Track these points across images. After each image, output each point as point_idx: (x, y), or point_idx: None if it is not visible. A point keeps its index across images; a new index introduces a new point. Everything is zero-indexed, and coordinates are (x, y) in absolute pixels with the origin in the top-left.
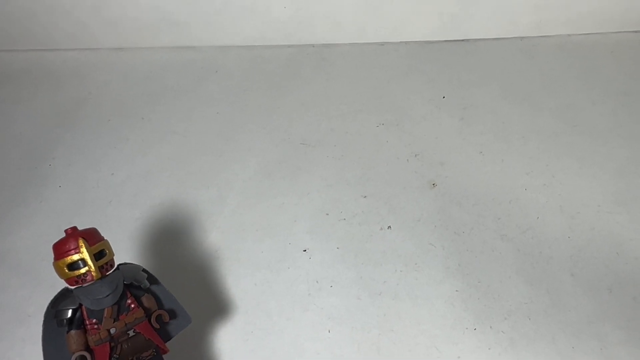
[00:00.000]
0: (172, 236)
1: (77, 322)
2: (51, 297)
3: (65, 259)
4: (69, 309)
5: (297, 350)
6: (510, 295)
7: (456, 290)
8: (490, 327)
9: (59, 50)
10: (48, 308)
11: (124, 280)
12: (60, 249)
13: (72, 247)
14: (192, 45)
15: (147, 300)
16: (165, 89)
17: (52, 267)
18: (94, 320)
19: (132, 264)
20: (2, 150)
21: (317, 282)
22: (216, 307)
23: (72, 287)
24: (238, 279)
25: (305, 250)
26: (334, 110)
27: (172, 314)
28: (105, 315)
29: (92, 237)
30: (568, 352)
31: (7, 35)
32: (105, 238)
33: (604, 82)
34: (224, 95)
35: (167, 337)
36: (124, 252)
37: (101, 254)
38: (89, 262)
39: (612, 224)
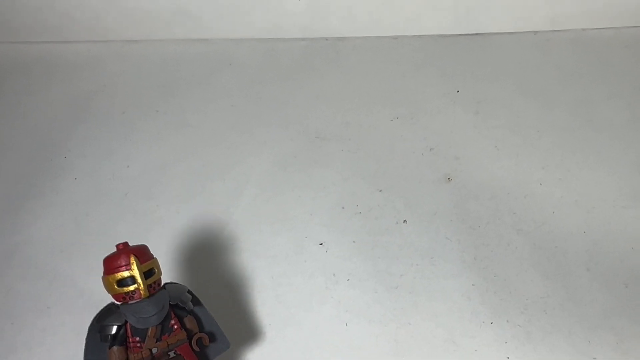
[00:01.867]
0: (188, 228)
1: (120, 339)
2: (69, 289)
3: (116, 274)
4: (115, 325)
5: (316, 342)
6: (527, 289)
7: (472, 284)
8: (507, 320)
9: (72, 43)
10: (93, 322)
11: (170, 301)
12: (111, 265)
13: (124, 263)
14: (205, 38)
15: (189, 322)
16: (179, 81)
17: (101, 280)
18: (137, 339)
19: (178, 284)
20: (18, 142)
21: (334, 275)
22: (234, 299)
23: (119, 303)
24: (255, 272)
25: (321, 244)
26: (349, 103)
27: (212, 337)
28: (148, 334)
29: (143, 254)
30: (584, 346)
31: (21, 27)
32: (154, 256)
33: (619, 77)
34: (237, 87)
35: (205, 359)
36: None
37: (150, 272)
38: (139, 280)
39: (628, 218)
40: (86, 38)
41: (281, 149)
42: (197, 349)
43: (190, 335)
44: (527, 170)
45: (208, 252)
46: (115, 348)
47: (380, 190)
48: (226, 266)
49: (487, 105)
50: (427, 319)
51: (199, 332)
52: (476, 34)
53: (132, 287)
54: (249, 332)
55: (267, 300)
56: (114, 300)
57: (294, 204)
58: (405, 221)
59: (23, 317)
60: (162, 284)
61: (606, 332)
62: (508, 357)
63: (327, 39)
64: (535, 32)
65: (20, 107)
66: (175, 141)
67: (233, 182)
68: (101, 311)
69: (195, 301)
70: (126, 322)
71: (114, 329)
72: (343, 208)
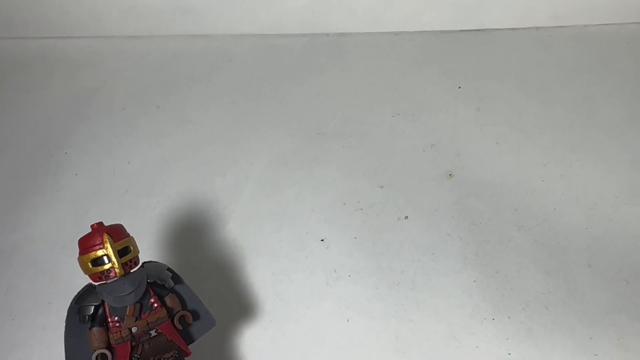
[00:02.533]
0: (189, 225)
1: (99, 320)
2: (69, 286)
3: (90, 254)
4: (92, 305)
5: (317, 339)
6: (528, 286)
7: (474, 281)
8: (509, 317)
9: (72, 38)
10: (71, 304)
11: (147, 279)
12: (85, 244)
13: (97, 242)
14: (206, 34)
15: (170, 300)
16: (179, 77)
17: (77, 261)
18: (116, 318)
19: (156, 262)
20: (18, 138)
21: (335, 271)
22: (235, 296)
23: (96, 284)
24: (256, 268)
25: (322, 240)
26: (349, 100)
27: (196, 316)
28: (127, 313)
29: (117, 233)
30: (586, 342)
31: (21, 23)
32: (130, 235)
33: (621, 74)
34: (238, 84)
35: (190, 339)
36: (141, 240)
37: (125, 250)
38: (113, 258)
39: (629, 215)
40: (86, 34)
41: (282, 146)
42: (179, 327)
43: (172, 314)
44: (529, 166)
45: (209, 249)
46: (95, 329)
47: (382, 187)
48: (227, 263)
49: (488, 102)
50: (428, 315)
51: (182, 310)
52: (478, 30)
53: (106, 266)
54: (250, 329)
55: (268, 297)
56: (91, 281)
57: (294, 200)
58: (406, 217)
59: (23, 313)
60: (141, 263)
61: (607, 328)
62: (509, 354)
63: (328, 35)
64: (537, 28)
65: (21, 103)
66: (175, 138)
67: (234, 178)
68: (78, 293)
69: (176, 279)
70: (103, 302)
71: (91, 309)
72: (344, 204)
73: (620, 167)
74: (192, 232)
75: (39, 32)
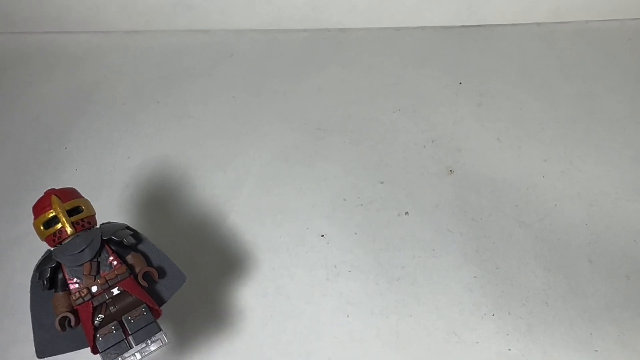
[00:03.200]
0: (190, 220)
1: (60, 284)
2: None
3: (40, 217)
4: (48, 267)
5: (317, 334)
6: (529, 282)
7: (474, 277)
8: (509, 313)
9: (72, 33)
10: (33, 273)
11: (102, 236)
12: (36, 208)
13: (46, 204)
14: (206, 29)
15: (133, 258)
16: (180, 72)
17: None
18: (75, 280)
19: (114, 222)
20: (18, 133)
21: (335, 267)
22: (235, 290)
23: (52, 248)
24: (256, 263)
25: (323, 236)
26: (350, 95)
27: (162, 273)
28: (84, 272)
29: (66, 194)
30: (586, 337)
31: (21, 18)
32: (85, 197)
33: (622, 69)
34: (239, 79)
35: (161, 300)
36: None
37: (77, 210)
38: (62, 217)
39: (630, 211)
40: (87, 29)
41: (282, 141)
42: (144, 283)
43: (134, 271)
44: (530, 162)
45: (209, 244)
46: (58, 294)
47: (382, 182)
48: (227, 258)
49: (489, 98)
50: (428, 311)
51: (146, 267)
52: (479, 26)
53: (57, 226)
54: (251, 324)
55: (268, 292)
56: (49, 248)
57: (295, 195)
58: (407, 213)
59: (24, 308)
60: (98, 225)
61: (608, 324)
62: (509, 349)
63: (328, 30)
64: (539, 24)
65: (21, 98)
66: (176, 132)
67: (234, 173)
68: (38, 261)
69: (137, 237)
70: (60, 264)
71: (48, 272)
72: (344, 200)
73: (621, 163)
74: (193, 227)
75: (40, 27)
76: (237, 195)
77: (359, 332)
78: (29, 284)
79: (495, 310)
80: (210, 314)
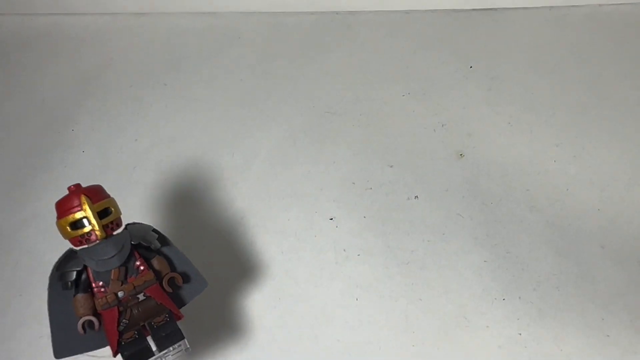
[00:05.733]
0: (197, 203)
1: (83, 285)
2: None
3: (68, 217)
4: (74, 270)
5: (326, 317)
6: (539, 266)
7: (484, 261)
8: (519, 297)
9: (79, 15)
10: (52, 271)
11: (131, 241)
12: (63, 207)
13: (75, 204)
14: (213, 11)
15: (158, 263)
16: (187, 55)
17: (56, 227)
18: (101, 283)
19: (140, 223)
20: (26, 115)
21: (344, 250)
22: (243, 274)
23: (77, 248)
24: (265, 247)
25: (332, 219)
26: (359, 79)
27: (186, 278)
28: (112, 277)
29: (96, 194)
30: (597, 323)
31: None
32: (111, 196)
33: (635, 54)
34: (246, 62)
35: (181, 303)
36: (149, 218)
37: (106, 212)
38: (93, 220)
39: None
40: (92, 10)
41: (291, 124)
42: (169, 289)
43: (160, 277)
44: (541, 147)
45: (217, 227)
46: (79, 295)
47: (391, 166)
48: (235, 241)
49: (500, 82)
50: (438, 295)
51: (171, 272)
52: (490, 9)
53: (86, 229)
54: (259, 307)
55: (276, 275)
56: (71, 246)
57: (303, 179)
58: (416, 197)
59: (31, 289)
60: (124, 225)
61: (620, 309)
62: (520, 334)
63: (337, 13)
64: (551, 8)
65: (28, 81)
66: (184, 115)
67: (242, 157)
68: (59, 259)
69: (163, 241)
70: (86, 266)
71: (74, 275)
72: (353, 183)
73: (633, 149)
74: (201, 210)
75: (45, 8)
76: (245, 178)
77: (368, 316)
78: (34, 267)
79: (506, 294)
80: (219, 297)
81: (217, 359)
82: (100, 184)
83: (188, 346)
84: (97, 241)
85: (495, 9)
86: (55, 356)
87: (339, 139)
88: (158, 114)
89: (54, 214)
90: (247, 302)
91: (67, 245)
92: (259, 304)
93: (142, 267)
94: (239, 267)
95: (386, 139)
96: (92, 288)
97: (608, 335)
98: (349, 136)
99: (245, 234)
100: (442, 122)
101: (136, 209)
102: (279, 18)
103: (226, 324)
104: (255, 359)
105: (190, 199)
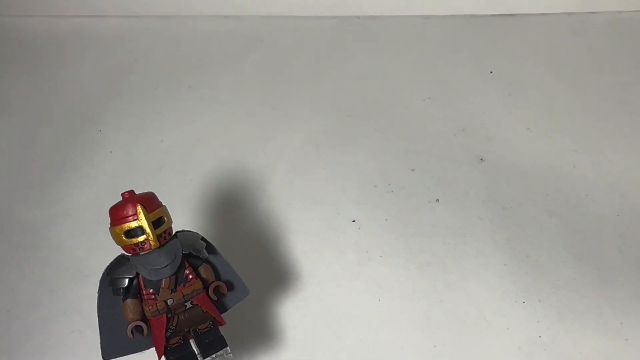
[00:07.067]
0: (222, 203)
1: (133, 291)
2: (104, 259)
3: (123, 225)
4: (126, 277)
5: (348, 317)
6: (559, 270)
7: (504, 264)
8: (539, 300)
9: (105, 17)
10: (103, 275)
11: (182, 250)
12: (118, 215)
13: (130, 213)
14: (237, 15)
15: (204, 271)
16: (210, 58)
17: (108, 231)
18: (151, 291)
19: (190, 231)
20: (53, 115)
21: (366, 252)
22: (268, 273)
23: (129, 255)
24: (289, 247)
25: (354, 221)
26: (380, 83)
27: (230, 286)
28: (162, 285)
29: (150, 203)
30: (616, 327)
31: (55, 1)
32: (163, 204)
33: None
34: (269, 65)
35: (223, 308)
36: (176, 217)
37: (160, 221)
38: (148, 230)
39: None
40: (120, 13)
41: (313, 127)
42: (214, 297)
43: (206, 285)
44: (560, 152)
45: (242, 227)
46: (129, 301)
47: (413, 170)
48: (259, 242)
49: (520, 87)
50: (458, 297)
51: (216, 280)
52: (509, 15)
53: (141, 238)
54: (283, 307)
55: (300, 276)
56: (123, 252)
57: (325, 181)
58: (437, 200)
59: (61, 285)
60: (174, 232)
61: (638, 313)
62: (540, 336)
63: (358, 18)
64: (570, 14)
65: (55, 80)
66: (208, 117)
67: (265, 158)
68: (111, 263)
69: (210, 249)
70: (138, 274)
71: (126, 282)
72: (375, 186)
73: None
74: (225, 210)
75: (74, 10)
76: (269, 179)
77: (390, 316)
78: (65, 264)
79: (526, 297)
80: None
81: (243, 358)
82: (153, 192)
83: (231, 354)
84: (150, 250)
85: (515, 15)
86: (104, 357)
87: (360, 143)
88: (182, 116)
89: (83, 212)
90: (270, 302)
91: (96, 243)
92: (282, 304)
93: (190, 276)
94: (263, 266)
95: (407, 143)
96: (141, 294)
97: (627, 339)
98: (370, 139)
99: (270, 234)
100: (463, 127)
101: None
102: (301, 22)
103: (250, 323)
104: (279, 357)
105: (214, 199)
